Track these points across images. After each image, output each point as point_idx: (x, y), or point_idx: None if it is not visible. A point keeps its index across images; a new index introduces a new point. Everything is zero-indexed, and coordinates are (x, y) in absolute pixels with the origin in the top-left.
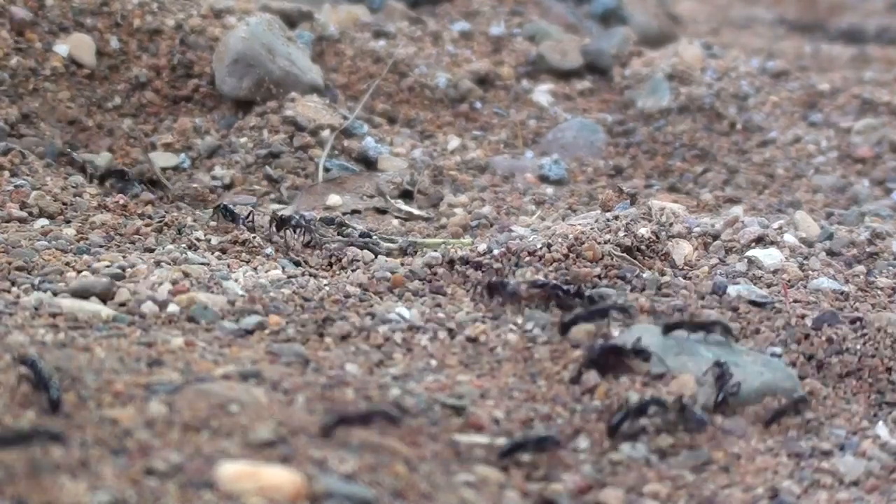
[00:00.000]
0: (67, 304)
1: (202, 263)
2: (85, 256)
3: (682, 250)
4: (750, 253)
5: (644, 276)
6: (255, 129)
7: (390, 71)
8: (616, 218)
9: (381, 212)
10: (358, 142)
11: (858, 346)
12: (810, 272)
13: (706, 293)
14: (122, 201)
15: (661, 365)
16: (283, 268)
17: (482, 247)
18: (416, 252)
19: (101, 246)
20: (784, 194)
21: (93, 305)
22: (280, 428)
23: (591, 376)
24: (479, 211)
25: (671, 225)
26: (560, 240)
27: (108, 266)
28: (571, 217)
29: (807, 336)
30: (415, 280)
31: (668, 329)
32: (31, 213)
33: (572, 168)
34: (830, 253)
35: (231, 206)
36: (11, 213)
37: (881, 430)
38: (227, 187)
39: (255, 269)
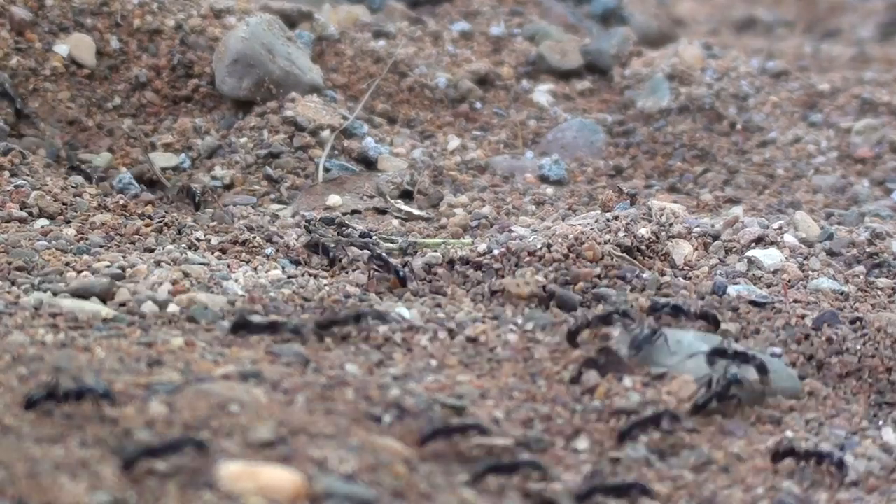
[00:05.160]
0: (67, 304)
1: (202, 263)
2: (85, 256)
3: (682, 250)
4: (750, 253)
5: (644, 276)
6: (255, 130)
7: (390, 71)
8: (616, 218)
9: (381, 212)
10: (358, 142)
11: (858, 346)
12: (810, 272)
13: (706, 293)
14: (122, 201)
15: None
16: (283, 268)
17: (482, 247)
18: (416, 252)
19: (101, 246)
20: (784, 194)
21: (93, 305)
22: (280, 428)
23: (591, 376)
24: (479, 211)
25: (671, 225)
26: (560, 240)
27: (108, 266)
28: (571, 217)
29: (807, 336)
30: (415, 280)
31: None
32: (31, 213)
33: (572, 168)
34: (830, 253)
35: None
36: (11, 213)
37: (887, 434)
38: (227, 187)
39: (255, 269)
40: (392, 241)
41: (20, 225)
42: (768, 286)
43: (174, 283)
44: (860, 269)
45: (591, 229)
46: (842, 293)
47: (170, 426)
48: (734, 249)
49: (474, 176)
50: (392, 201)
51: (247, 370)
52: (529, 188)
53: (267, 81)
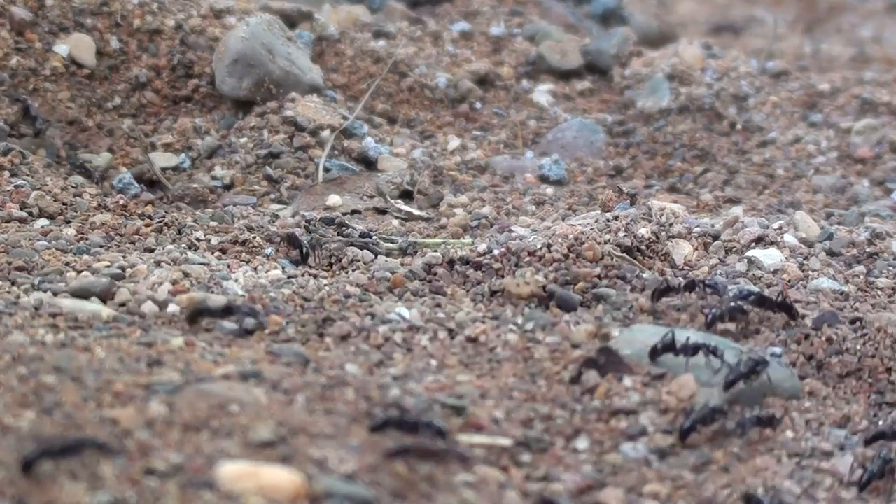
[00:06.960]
0: (67, 304)
1: (202, 263)
2: (85, 256)
3: (682, 250)
4: (750, 253)
5: (644, 276)
6: (255, 130)
7: (390, 71)
8: (616, 218)
9: (381, 212)
10: (358, 142)
11: (858, 346)
12: (810, 272)
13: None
14: (122, 201)
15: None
16: (283, 268)
17: (482, 247)
18: (416, 252)
19: (101, 246)
20: (784, 194)
21: (93, 305)
22: (280, 428)
23: (591, 376)
24: (479, 211)
25: (671, 225)
26: (560, 240)
27: (108, 266)
28: (571, 217)
29: (807, 336)
30: (415, 280)
31: None
32: (31, 213)
33: (572, 168)
34: (830, 253)
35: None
36: (11, 213)
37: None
38: (227, 187)
39: (255, 269)
40: (392, 241)
41: (20, 225)
42: (768, 286)
43: (174, 283)
44: (860, 269)
45: (591, 229)
46: (842, 293)
47: (170, 426)
48: (734, 249)
49: (474, 176)
50: (392, 201)
51: (247, 370)
52: (529, 188)
53: (267, 81)
